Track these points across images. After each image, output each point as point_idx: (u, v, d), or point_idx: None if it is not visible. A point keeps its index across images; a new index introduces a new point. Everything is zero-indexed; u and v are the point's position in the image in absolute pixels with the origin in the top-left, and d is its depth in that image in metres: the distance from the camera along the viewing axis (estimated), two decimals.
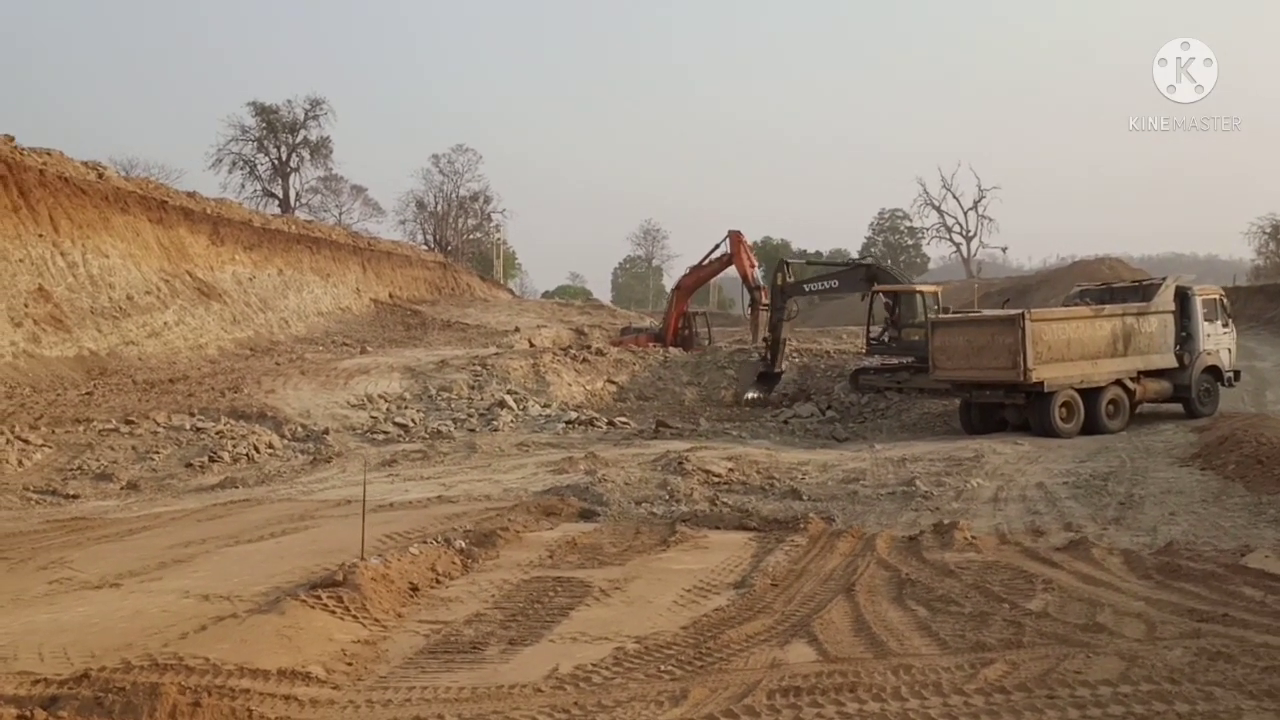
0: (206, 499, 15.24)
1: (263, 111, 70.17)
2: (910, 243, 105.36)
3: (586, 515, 12.48)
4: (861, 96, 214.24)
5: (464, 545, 9.59)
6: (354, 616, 7.14)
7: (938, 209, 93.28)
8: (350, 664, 6.33)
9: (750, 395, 29.21)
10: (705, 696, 5.64)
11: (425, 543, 9.48)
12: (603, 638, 6.90)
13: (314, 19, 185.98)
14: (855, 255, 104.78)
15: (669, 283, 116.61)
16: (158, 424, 20.91)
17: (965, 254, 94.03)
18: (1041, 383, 21.06)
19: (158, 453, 19.22)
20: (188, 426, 21.02)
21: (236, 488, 16.51)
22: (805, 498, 14.04)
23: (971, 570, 8.52)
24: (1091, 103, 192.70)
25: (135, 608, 7.62)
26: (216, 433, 20.78)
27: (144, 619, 7.22)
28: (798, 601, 7.72)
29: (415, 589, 8.10)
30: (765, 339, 30.66)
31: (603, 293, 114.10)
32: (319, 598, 7.27)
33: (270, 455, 20.08)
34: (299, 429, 21.97)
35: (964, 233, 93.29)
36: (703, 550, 9.95)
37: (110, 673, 5.80)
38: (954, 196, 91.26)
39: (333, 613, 7.12)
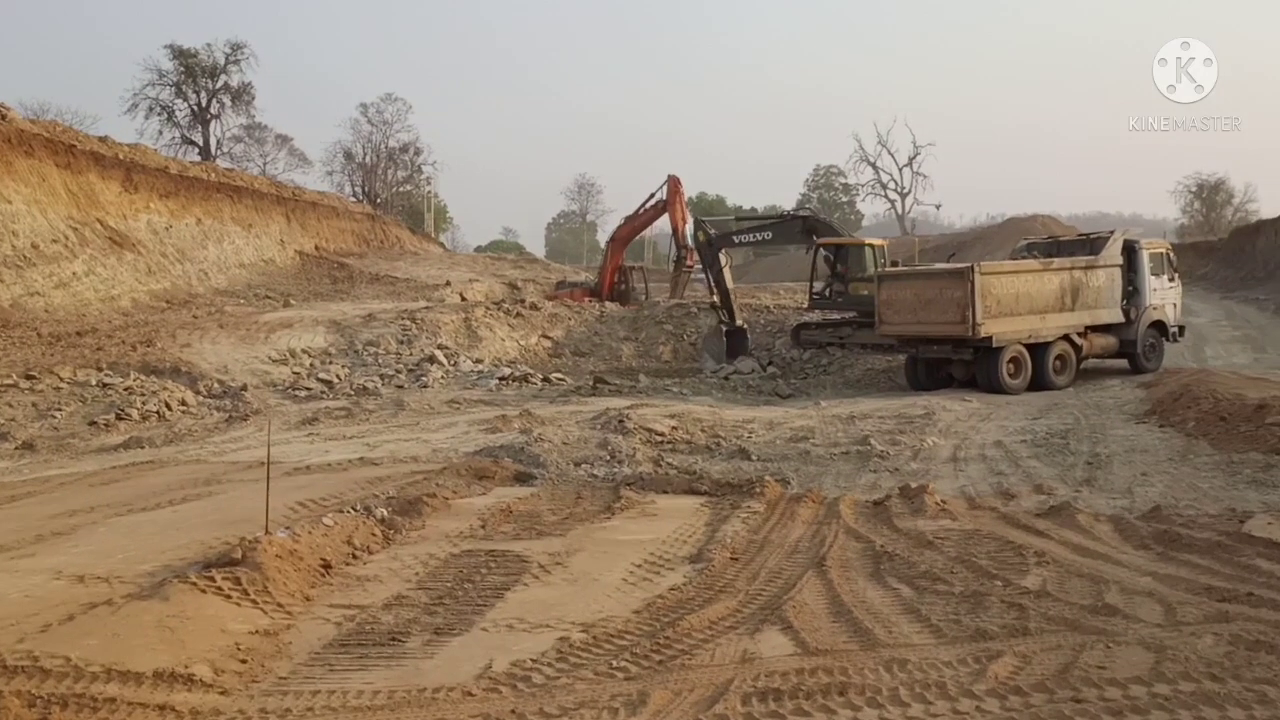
0: (107, 460, 14.02)
1: (181, 55, 67.13)
2: (845, 199, 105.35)
3: (522, 478, 11.51)
4: (800, 48, 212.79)
5: (386, 514, 8.58)
6: (253, 601, 6.11)
7: (873, 165, 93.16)
8: (244, 661, 5.33)
9: (732, 368, 26.82)
10: (668, 701, 4.74)
11: (342, 511, 8.43)
12: (544, 625, 5.96)
13: None
14: (791, 211, 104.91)
15: (603, 238, 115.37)
16: (61, 379, 19.51)
17: (900, 210, 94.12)
18: (990, 338, 20.54)
19: (60, 410, 17.90)
20: (94, 382, 19.65)
21: (142, 448, 15.29)
22: (754, 458, 13.23)
23: (951, 540, 7.72)
24: (1026, 62, 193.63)
25: None
26: (125, 389, 19.45)
27: (2, 606, 6.15)
28: (763, 579, 6.85)
29: (328, 566, 7.09)
30: (713, 303, 29.39)
31: (536, 248, 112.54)
32: (212, 579, 6.23)
33: (183, 413, 18.84)
34: (215, 385, 20.71)
35: (899, 189, 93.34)
36: (651, 518, 9.05)
37: None
38: (889, 153, 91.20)
39: (228, 597, 6.09)
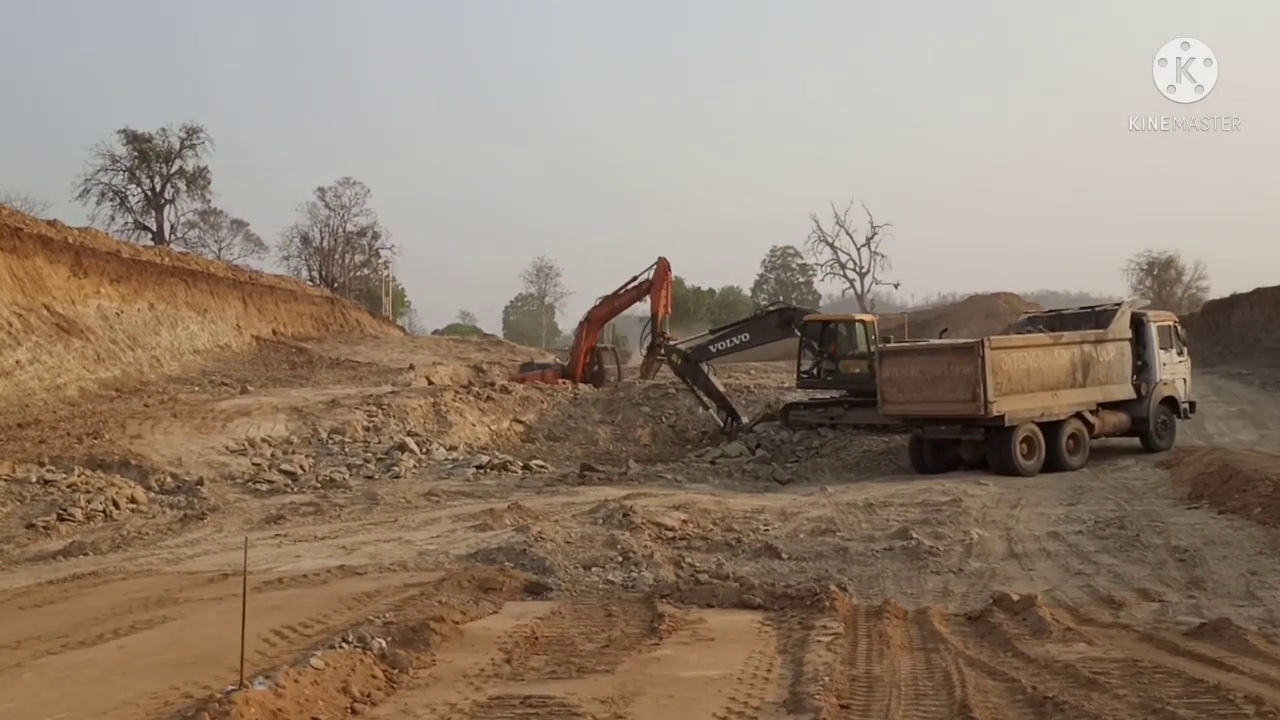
0: (44, 571, 12.24)
1: (135, 140, 65.68)
2: (802, 280, 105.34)
3: (533, 589, 9.91)
4: (747, 141, 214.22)
5: (385, 646, 6.95)
6: None
7: (831, 245, 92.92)
8: None
9: (719, 451, 25.18)
10: None
11: (332, 645, 6.78)
12: None
13: (193, 45, 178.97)
14: (748, 292, 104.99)
15: (562, 320, 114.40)
16: None
17: (859, 290, 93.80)
18: (1002, 416, 19.30)
19: None
20: (34, 479, 17.85)
21: (85, 554, 13.45)
22: (785, 556, 11.75)
23: (1114, 676, 6.19)
24: (970, 139, 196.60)
25: None
26: (68, 485, 17.65)
27: None
28: None
29: None
30: (711, 408, 28.04)
31: (494, 331, 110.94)
32: None
33: (132, 511, 17.10)
34: (168, 479, 18.96)
35: (857, 269, 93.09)
36: (708, 643, 7.44)
37: None
38: (847, 233, 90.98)
39: None
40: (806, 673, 6.46)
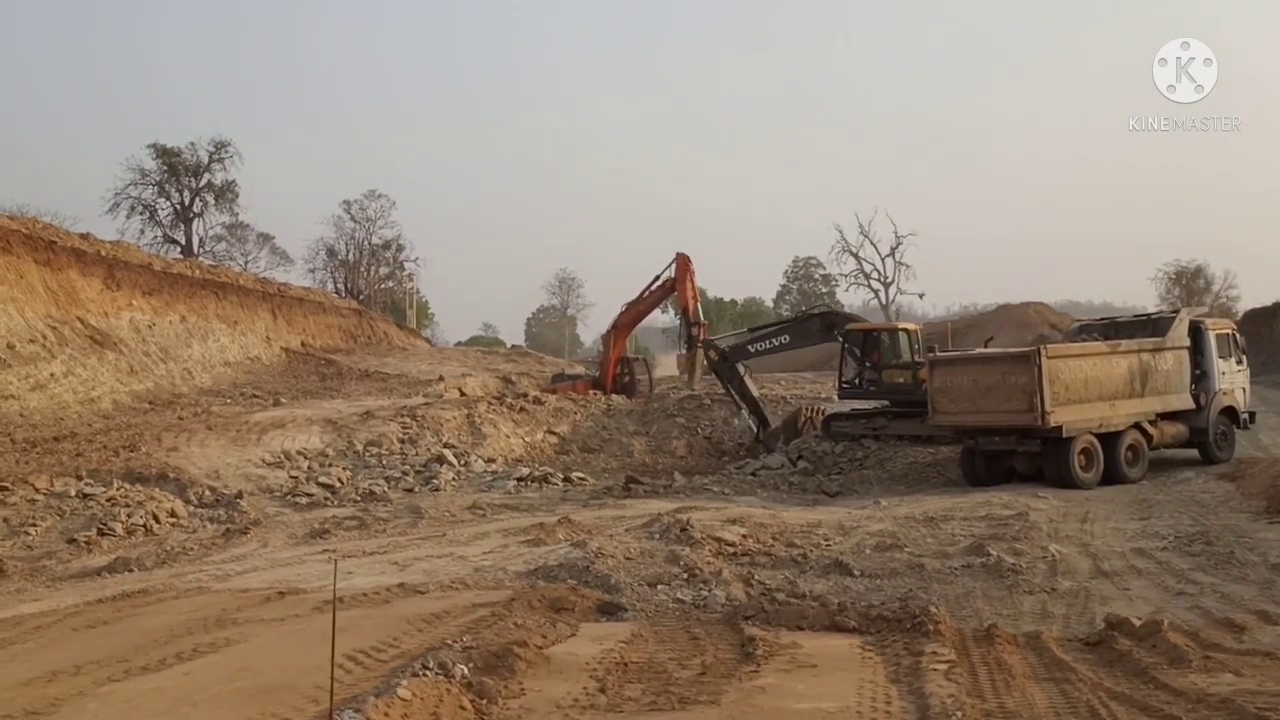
0: (91, 588, 11.85)
1: (164, 154, 65.71)
2: (825, 290, 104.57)
3: (606, 610, 9.43)
4: (765, 155, 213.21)
5: (468, 674, 6.49)
6: None
7: (855, 255, 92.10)
8: None
9: (760, 463, 24.68)
10: None
11: (414, 673, 6.30)
12: None
13: (220, 58, 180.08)
14: (770, 303, 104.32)
15: (584, 332, 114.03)
16: (37, 490, 17.35)
17: (884, 300, 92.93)
18: (1060, 427, 18.69)
19: (35, 525, 15.78)
20: (73, 493, 17.50)
21: (130, 570, 13.07)
22: (857, 573, 11.25)
23: None
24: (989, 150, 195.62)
25: None
26: (108, 499, 17.30)
27: None
28: None
29: None
30: (758, 437, 27.61)
31: (516, 342, 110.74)
32: None
33: (173, 525, 16.74)
34: (206, 492, 18.62)
35: (882, 279, 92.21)
36: (810, 670, 6.93)
37: None
38: (871, 243, 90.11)
39: None
40: (933, 706, 5.94)
